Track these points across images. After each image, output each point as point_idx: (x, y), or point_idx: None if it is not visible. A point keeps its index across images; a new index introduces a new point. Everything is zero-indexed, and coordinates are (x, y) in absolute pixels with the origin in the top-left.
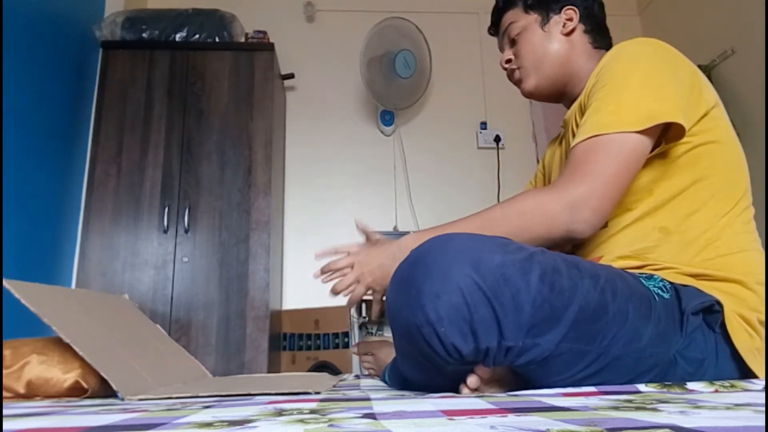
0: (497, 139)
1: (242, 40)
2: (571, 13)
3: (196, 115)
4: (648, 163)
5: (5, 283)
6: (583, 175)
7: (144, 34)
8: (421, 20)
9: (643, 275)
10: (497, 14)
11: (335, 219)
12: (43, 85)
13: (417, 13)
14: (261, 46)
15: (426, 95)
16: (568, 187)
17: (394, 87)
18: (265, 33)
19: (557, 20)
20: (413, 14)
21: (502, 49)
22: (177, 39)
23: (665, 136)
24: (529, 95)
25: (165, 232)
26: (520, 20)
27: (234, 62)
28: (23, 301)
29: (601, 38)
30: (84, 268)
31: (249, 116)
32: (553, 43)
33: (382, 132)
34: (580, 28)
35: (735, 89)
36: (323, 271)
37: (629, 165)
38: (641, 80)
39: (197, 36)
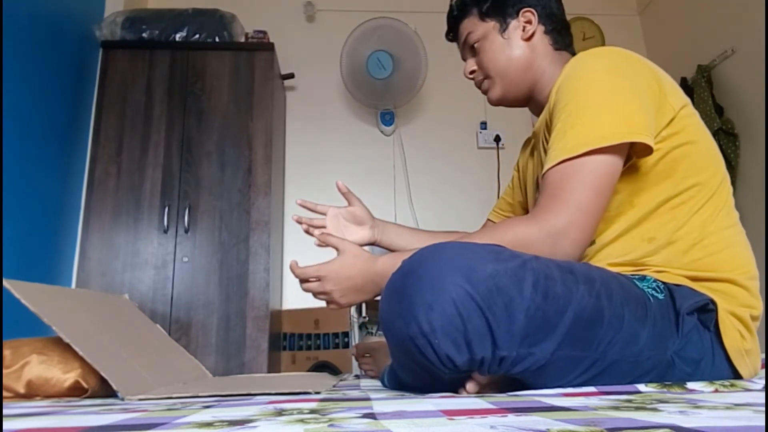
0: (497, 139)
1: (242, 40)
2: (529, 15)
3: (196, 115)
4: (625, 176)
5: (5, 283)
6: (561, 205)
7: (144, 34)
8: (421, 20)
9: (636, 276)
10: (453, 22)
11: None
12: (43, 85)
13: (417, 13)
14: (261, 46)
15: (426, 95)
16: (548, 218)
17: (371, 88)
18: (265, 33)
19: (516, 25)
20: (413, 14)
21: (464, 58)
22: (177, 39)
23: (633, 150)
24: (496, 103)
25: (165, 232)
26: (478, 29)
27: (234, 62)
28: (23, 301)
29: (562, 38)
30: (84, 268)
31: (249, 116)
32: (514, 50)
33: (382, 132)
34: (540, 29)
35: (735, 89)
36: (292, 269)
37: (603, 189)
38: (602, 98)
39: (197, 36)
